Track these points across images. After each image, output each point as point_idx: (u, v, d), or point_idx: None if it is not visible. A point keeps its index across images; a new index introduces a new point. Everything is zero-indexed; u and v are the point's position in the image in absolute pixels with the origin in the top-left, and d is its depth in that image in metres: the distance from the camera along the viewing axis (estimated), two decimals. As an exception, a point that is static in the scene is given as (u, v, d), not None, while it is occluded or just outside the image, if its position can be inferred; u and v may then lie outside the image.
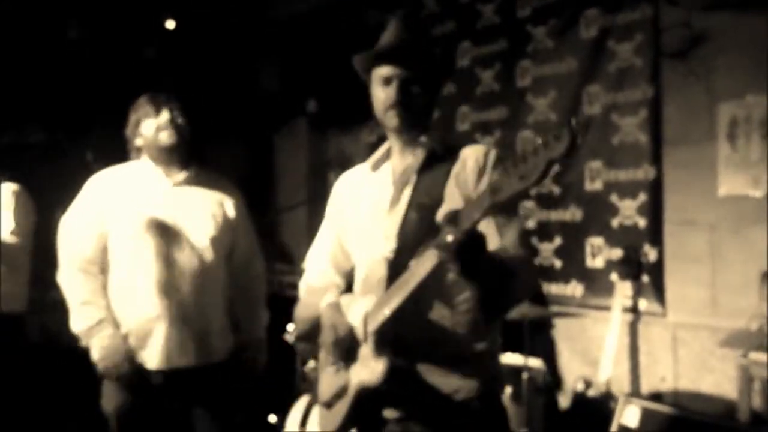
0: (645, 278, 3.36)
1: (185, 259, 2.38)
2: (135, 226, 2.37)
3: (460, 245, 1.35)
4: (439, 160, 1.73)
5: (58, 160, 4.48)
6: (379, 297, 1.63)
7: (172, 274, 2.36)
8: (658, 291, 3.38)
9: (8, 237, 3.17)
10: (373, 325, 1.61)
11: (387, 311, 1.56)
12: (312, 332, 1.86)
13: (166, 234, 2.38)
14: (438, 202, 1.65)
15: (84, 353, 2.41)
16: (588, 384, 3.22)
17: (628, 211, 3.49)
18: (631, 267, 3.25)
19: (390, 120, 1.74)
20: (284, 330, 3.49)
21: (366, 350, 1.64)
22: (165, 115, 2.40)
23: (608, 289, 3.38)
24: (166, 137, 2.39)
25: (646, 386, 3.36)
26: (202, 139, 2.57)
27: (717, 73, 3.23)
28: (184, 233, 2.40)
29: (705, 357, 3.23)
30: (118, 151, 2.55)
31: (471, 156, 1.71)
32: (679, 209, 3.36)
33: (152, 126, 2.40)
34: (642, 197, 3.45)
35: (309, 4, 5.14)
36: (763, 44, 3.03)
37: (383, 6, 4.85)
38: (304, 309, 1.95)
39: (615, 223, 3.55)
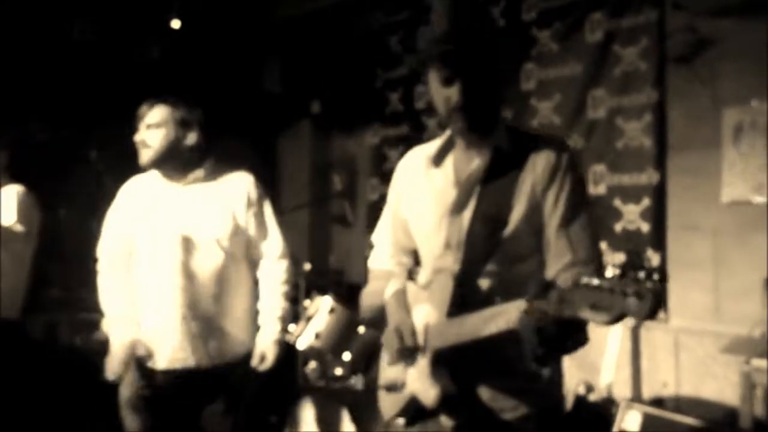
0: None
1: (196, 262, 2.38)
2: (149, 231, 2.42)
3: (538, 332, 1.29)
4: (507, 161, 1.59)
5: (62, 158, 4.49)
6: (442, 314, 1.59)
7: (183, 277, 2.37)
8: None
9: (14, 226, 3.12)
10: (433, 345, 1.59)
11: (448, 341, 1.54)
12: (377, 320, 1.82)
13: (177, 238, 2.39)
14: (505, 213, 1.56)
15: (85, 351, 2.43)
16: (589, 388, 3.21)
17: (632, 216, 3.48)
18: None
19: (455, 123, 1.61)
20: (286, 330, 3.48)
21: (423, 363, 1.62)
22: (139, 135, 2.39)
23: (610, 294, 3.37)
24: (140, 157, 2.41)
25: (648, 391, 3.34)
26: (210, 137, 2.55)
27: (722, 78, 3.22)
28: (195, 236, 2.39)
29: (707, 363, 3.22)
30: (122, 149, 2.55)
31: (542, 156, 1.58)
32: (682, 214, 3.35)
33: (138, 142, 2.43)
34: (645, 202, 3.44)
35: (313, 6, 5.15)
36: (768, 50, 3.03)
37: (387, 7, 4.86)
38: (369, 296, 1.91)
39: (618, 227, 3.54)
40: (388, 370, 1.78)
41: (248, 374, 2.47)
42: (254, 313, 2.53)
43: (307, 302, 3.64)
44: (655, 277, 1.10)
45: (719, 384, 3.16)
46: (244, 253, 2.50)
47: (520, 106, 3.99)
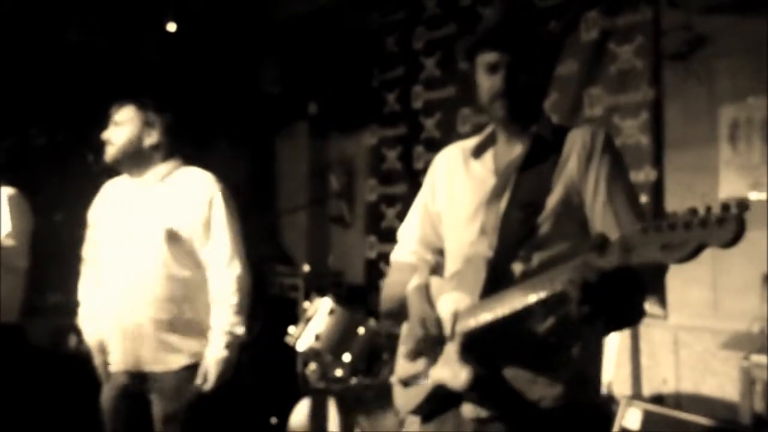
0: (646, 281, 3.35)
1: (138, 265, 2.38)
2: (103, 231, 2.49)
3: (584, 287, 1.25)
4: (547, 149, 1.61)
5: (60, 162, 4.49)
6: (474, 299, 1.56)
7: (123, 279, 2.40)
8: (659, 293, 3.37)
9: (5, 240, 3.10)
10: (463, 328, 1.55)
11: (482, 320, 1.50)
12: (397, 312, 1.79)
13: (125, 239, 2.42)
14: (542, 198, 1.57)
15: (85, 356, 2.47)
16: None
17: (630, 214, 3.48)
18: (633, 269, 3.23)
19: (496, 111, 1.64)
20: (285, 332, 3.49)
21: (450, 349, 1.58)
22: (106, 132, 2.46)
23: (609, 292, 3.37)
24: (105, 154, 2.47)
25: (648, 389, 3.35)
26: (186, 141, 2.56)
27: (718, 75, 3.23)
28: (139, 240, 2.40)
29: (707, 359, 3.22)
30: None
31: (577, 140, 1.61)
32: (680, 212, 3.35)
33: None
34: (643, 199, 3.44)
35: (310, 7, 5.15)
36: (763, 46, 3.03)
37: (383, 8, 4.86)
38: (390, 287, 1.87)
39: (616, 225, 3.54)
40: (405, 365, 1.75)
41: (183, 386, 2.37)
42: (205, 325, 2.44)
43: (306, 303, 3.64)
44: (734, 208, 1.05)
45: (719, 380, 3.16)
46: (193, 260, 2.43)
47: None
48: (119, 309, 2.40)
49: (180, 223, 2.39)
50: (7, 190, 3.22)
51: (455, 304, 1.61)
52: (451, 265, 1.74)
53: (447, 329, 1.60)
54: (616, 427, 2.81)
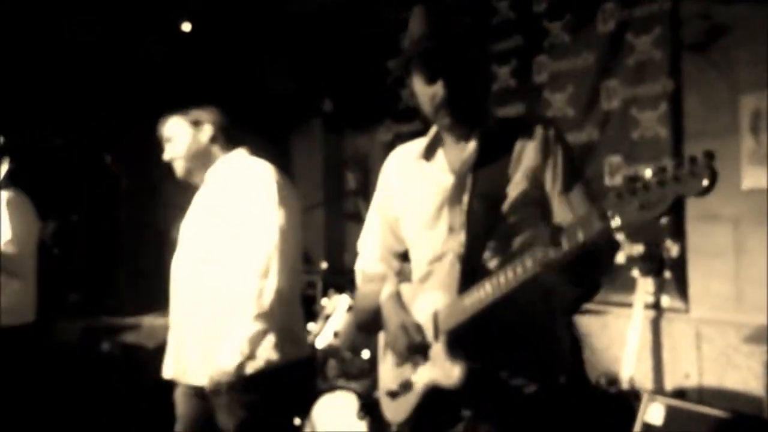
0: (667, 274, 3.31)
1: (186, 271, 2.34)
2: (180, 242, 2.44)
3: (562, 264, 1.30)
4: (497, 142, 1.64)
5: (76, 162, 4.52)
6: (450, 296, 1.58)
7: (176, 286, 2.36)
8: (680, 287, 3.34)
9: (5, 247, 3.06)
10: (448, 325, 1.57)
11: (466, 314, 1.52)
12: (372, 323, 1.80)
13: (182, 244, 2.39)
14: (503, 187, 1.60)
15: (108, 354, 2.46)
16: (611, 381, 3.18)
17: (649, 207, 3.44)
18: (653, 263, 3.20)
19: (442, 119, 1.66)
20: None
21: (437, 349, 1.60)
22: (166, 153, 2.43)
23: (630, 286, 3.33)
24: (176, 173, 2.46)
25: (670, 383, 3.31)
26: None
27: (738, 64, 3.18)
28: (189, 242, 2.37)
29: (729, 353, 3.18)
30: (136, 151, 2.56)
31: (531, 131, 1.63)
32: (701, 204, 3.30)
33: None
34: (663, 192, 3.40)
35: (322, 2, 5.14)
36: (785, 35, 2.98)
37: (397, 3, 4.84)
38: (363, 299, 1.88)
39: (636, 218, 3.50)
40: (389, 376, 1.76)
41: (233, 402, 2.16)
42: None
43: (324, 301, 3.64)
44: (702, 158, 1.08)
45: (742, 374, 3.13)
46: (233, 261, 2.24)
47: (532, 99, 3.96)
48: (184, 321, 2.32)
49: (229, 228, 2.25)
50: (6, 194, 3.15)
51: (433, 305, 1.63)
52: (419, 267, 1.75)
53: (430, 331, 1.62)
54: (638, 423, 2.78)
